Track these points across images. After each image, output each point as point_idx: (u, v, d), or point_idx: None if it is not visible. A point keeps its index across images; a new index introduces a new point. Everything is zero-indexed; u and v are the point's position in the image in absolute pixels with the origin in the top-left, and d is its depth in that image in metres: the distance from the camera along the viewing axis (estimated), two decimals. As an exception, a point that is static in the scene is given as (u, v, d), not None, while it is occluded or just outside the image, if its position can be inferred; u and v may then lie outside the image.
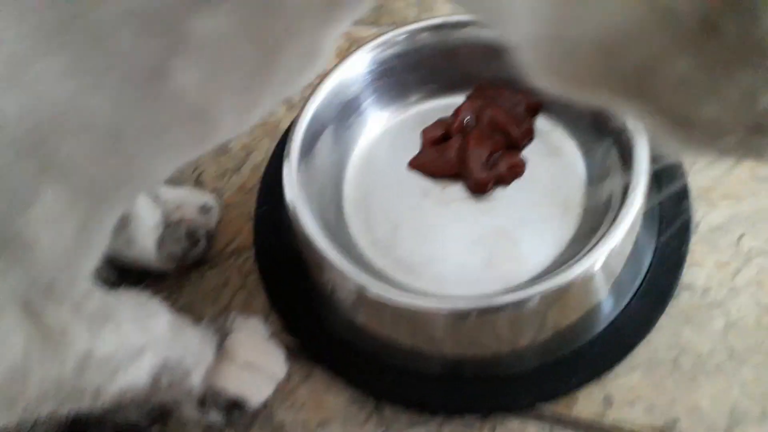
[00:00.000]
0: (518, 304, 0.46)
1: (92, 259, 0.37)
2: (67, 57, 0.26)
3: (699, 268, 0.53)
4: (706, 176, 0.57)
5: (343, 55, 0.60)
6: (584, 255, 0.46)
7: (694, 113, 0.22)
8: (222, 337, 0.51)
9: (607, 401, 0.49)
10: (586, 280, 0.47)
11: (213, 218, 0.60)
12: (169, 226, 0.57)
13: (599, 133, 0.56)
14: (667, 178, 0.56)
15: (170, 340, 0.45)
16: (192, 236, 0.58)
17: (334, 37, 0.34)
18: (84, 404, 0.41)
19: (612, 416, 0.48)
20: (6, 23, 0.25)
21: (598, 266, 0.46)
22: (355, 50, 0.60)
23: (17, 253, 0.32)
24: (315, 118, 0.57)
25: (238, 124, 0.36)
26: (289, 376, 0.52)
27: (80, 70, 0.27)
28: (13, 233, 0.30)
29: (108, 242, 0.38)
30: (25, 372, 0.35)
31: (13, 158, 0.28)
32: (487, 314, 0.46)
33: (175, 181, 0.62)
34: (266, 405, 0.51)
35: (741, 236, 0.54)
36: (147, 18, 0.26)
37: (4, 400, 0.36)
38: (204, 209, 0.59)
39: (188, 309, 0.56)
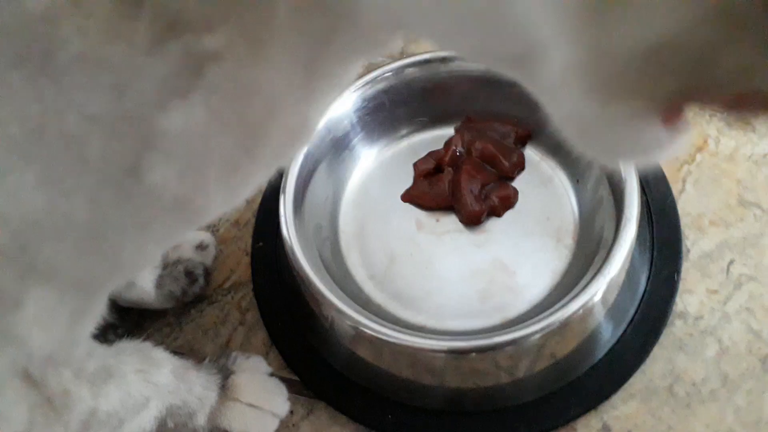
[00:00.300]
0: (518, 341, 0.46)
1: (89, 328, 0.37)
2: (37, 168, 0.26)
3: (691, 296, 0.54)
4: (695, 203, 0.58)
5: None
6: (583, 288, 0.47)
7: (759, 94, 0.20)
8: (224, 377, 0.51)
9: (606, 430, 0.50)
10: (586, 312, 0.47)
11: (210, 255, 0.60)
12: (167, 266, 0.57)
13: (588, 163, 0.57)
14: (656, 206, 0.57)
15: (174, 386, 0.46)
16: (190, 275, 0.58)
17: (320, 109, 0.33)
18: None
19: (610, 446, 0.49)
20: None
21: (597, 298, 0.47)
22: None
23: (12, 342, 0.32)
24: (308, 155, 0.57)
25: (228, 202, 0.35)
26: (291, 413, 0.53)
27: (52, 179, 0.26)
28: (5, 330, 0.31)
29: (103, 310, 0.37)
30: None
31: None
32: (486, 351, 0.47)
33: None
34: (269, 443, 0.52)
35: (731, 262, 0.55)
36: (114, 121, 0.25)
37: None
38: (200, 247, 0.60)
39: (189, 346, 0.57)
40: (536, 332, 0.46)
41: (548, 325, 0.46)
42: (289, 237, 0.53)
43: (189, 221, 0.34)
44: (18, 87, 0.24)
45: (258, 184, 0.34)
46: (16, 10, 0.23)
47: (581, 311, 0.46)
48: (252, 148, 0.30)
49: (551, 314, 0.46)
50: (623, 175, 0.52)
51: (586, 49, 0.19)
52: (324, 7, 0.25)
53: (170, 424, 0.46)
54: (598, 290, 0.47)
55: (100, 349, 0.41)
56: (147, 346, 0.45)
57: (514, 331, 0.46)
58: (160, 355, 0.45)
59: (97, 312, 0.37)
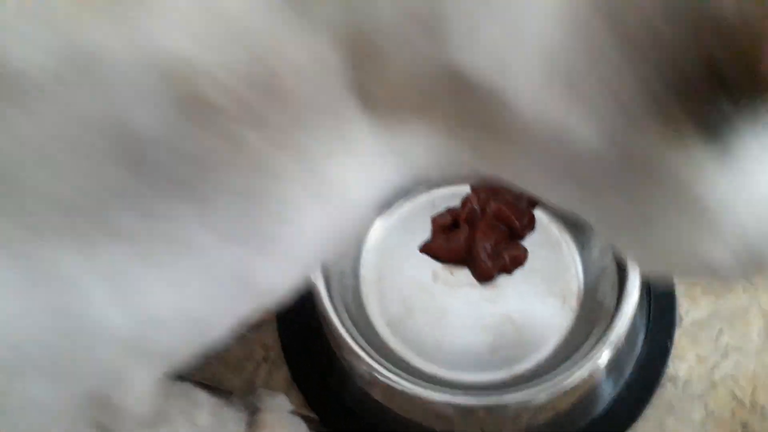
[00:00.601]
0: (526, 402, 0.51)
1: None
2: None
3: (681, 361, 0.59)
4: (689, 271, 0.63)
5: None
6: (587, 354, 0.52)
7: None
8: (251, 414, 0.55)
9: (599, 483, 0.54)
10: (592, 375, 0.52)
11: (238, 296, 0.64)
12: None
13: (594, 232, 0.62)
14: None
15: (211, 425, 0.50)
16: (218, 313, 0.62)
17: None
18: None
19: (603, 498, 0.54)
20: None
21: (602, 364, 0.52)
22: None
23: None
24: (337, 205, 0.61)
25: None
26: (312, 451, 0.57)
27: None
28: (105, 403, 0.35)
29: None
30: None
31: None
32: (495, 410, 0.51)
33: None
34: (289, 477, 0.56)
35: (719, 331, 0.60)
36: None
37: None
38: (229, 286, 0.64)
39: (215, 378, 0.61)
40: (543, 393, 0.50)
41: (555, 388, 0.50)
42: (316, 282, 0.57)
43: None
44: None
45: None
46: None
47: (588, 375, 0.51)
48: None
49: (558, 378, 0.51)
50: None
51: None
52: None
53: (206, 459, 0.51)
54: (603, 356, 0.51)
55: (156, 398, 0.45)
56: (189, 387, 0.49)
57: (523, 389, 0.51)
58: (201, 396, 0.49)
59: None
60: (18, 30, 0.25)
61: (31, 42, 0.25)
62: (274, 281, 0.34)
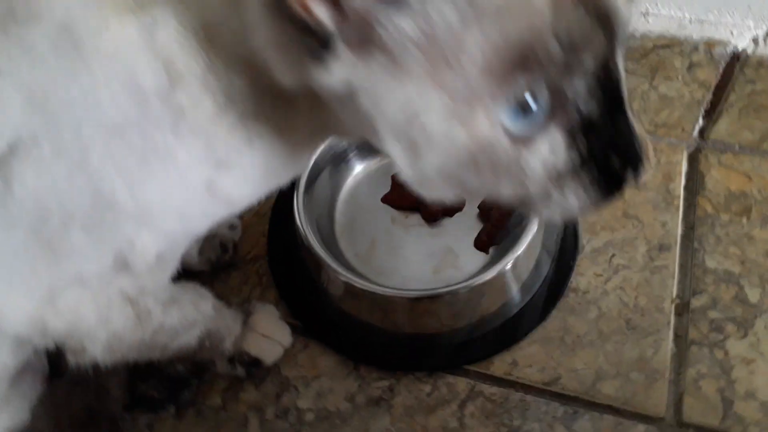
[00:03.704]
0: (454, 293, 0.67)
1: (169, 272, 0.57)
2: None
3: (582, 277, 0.75)
4: (593, 214, 0.80)
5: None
6: (498, 262, 0.69)
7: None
8: (246, 316, 0.71)
9: (514, 363, 0.70)
10: (500, 277, 0.69)
11: (238, 233, 0.81)
12: (207, 239, 0.78)
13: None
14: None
15: (213, 316, 0.64)
16: (223, 246, 0.79)
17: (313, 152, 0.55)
18: (155, 355, 0.60)
19: (516, 374, 0.70)
20: None
21: (508, 267, 0.68)
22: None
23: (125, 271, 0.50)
24: (315, 165, 0.79)
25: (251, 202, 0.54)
26: (293, 346, 0.73)
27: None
28: (123, 257, 0.48)
29: (178, 264, 0.57)
30: (122, 336, 0.54)
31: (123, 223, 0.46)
32: (434, 299, 0.68)
33: (209, 206, 0.83)
34: (276, 364, 0.72)
35: (612, 256, 0.77)
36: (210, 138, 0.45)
37: (108, 350, 0.54)
38: (232, 227, 0.81)
39: (218, 299, 0.77)
40: (465, 287, 0.67)
41: (473, 283, 0.67)
42: (300, 220, 0.74)
43: (230, 212, 0.53)
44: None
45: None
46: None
47: (497, 276, 0.68)
48: (273, 174, 0.51)
49: (475, 277, 0.67)
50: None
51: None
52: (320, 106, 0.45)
53: (207, 344, 0.65)
54: (509, 262, 0.68)
55: (170, 284, 0.59)
56: (197, 285, 0.63)
57: (452, 286, 0.68)
58: (206, 293, 0.64)
59: (174, 263, 0.56)
60: None
61: None
62: (233, 192, 0.49)
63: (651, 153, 0.42)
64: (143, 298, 0.54)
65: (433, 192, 0.43)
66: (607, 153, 0.41)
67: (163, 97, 0.41)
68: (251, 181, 0.49)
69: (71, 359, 0.53)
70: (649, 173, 0.42)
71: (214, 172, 0.45)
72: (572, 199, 0.42)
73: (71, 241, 0.44)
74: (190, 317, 0.60)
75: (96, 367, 0.68)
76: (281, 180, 0.54)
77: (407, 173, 0.41)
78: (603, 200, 0.43)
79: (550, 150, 0.40)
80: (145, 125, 0.42)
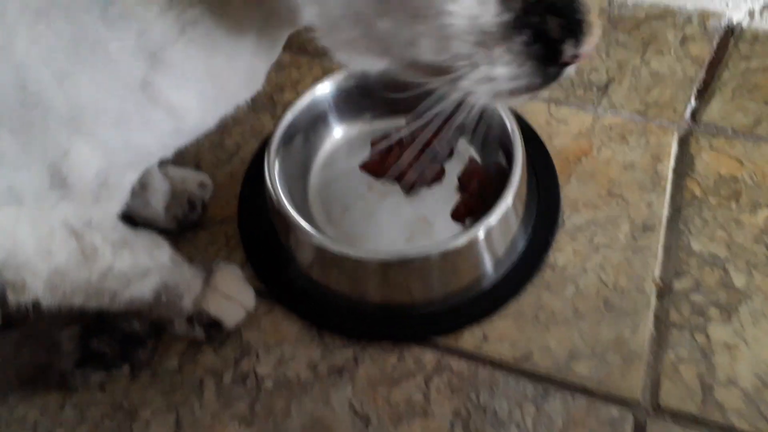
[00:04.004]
0: (425, 258, 0.64)
1: (117, 204, 0.53)
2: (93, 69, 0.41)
3: (561, 254, 0.72)
4: (576, 191, 0.77)
5: (317, 80, 0.80)
6: (471, 230, 0.66)
7: (406, 56, 0.38)
8: (208, 275, 0.68)
9: (484, 338, 0.67)
10: (473, 247, 0.66)
11: (208, 192, 0.78)
12: (175, 195, 0.75)
13: (497, 153, 0.76)
14: (543, 191, 0.76)
15: (170, 268, 0.61)
16: (191, 204, 0.76)
17: (265, 64, 0.50)
18: (104, 303, 0.57)
19: (486, 349, 0.67)
20: None
21: (480, 236, 0.65)
22: (325, 78, 0.79)
23: (64, 191, 0.46)
24: (291, 125, 0.76)
25: (204, 121, 0.50)
26: (256, 309, 0.70)
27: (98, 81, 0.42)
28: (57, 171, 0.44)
29: (127, 196, 0.53)
30: (65, 272, 0.51)
31: (54, 126, 0.42)
32: (404, 264, 0.65)
33: (180, 163, 0.80)
34: (237, 328, 0.69)
35: (594, 233, 0.74)
36: (136, 51, 0.41)
37: (49, 287, 0.51)
38: (202, 185, 0.78)
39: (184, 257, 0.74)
40: (436, 252, 0.64)
41: (443, 247, 0.64)
42: (270, 179, 0.71)
43: (177, 130, 0.48)
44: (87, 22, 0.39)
45: (222, 114, 0.51)
46: None
47: (468, 243, 0.65)
48: (217, 82, 0.47)
49: (447, 241, 0.64)
50: (513, 164, 0.70)
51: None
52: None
53: (164, 299, 0.62)
54: (480, 230, 0.65)
55: (121, 225, 0.56)
56: (155, 234, 0.61)
57: (424, 248, 0.65)
58: (164, 242, 0.61)
59: (122, 191, 0.52)
60: None
61: None
62: (174, 97, 0.44)
63: (596, 24, 0.37)
64: (90, 232, 0.51)
65: (346, 47, 0.39)
66: (543, 14, 0.36)
67: None
68: (193, 85, 0.45)
69: (11, 297, 0.50)
70: (592, 45, 0.37)
71: (149, 69, 0.42)
72: (501, 70, 0.37)
73: (0, 145, 0.41)
74: (143, 264, 0.58)
75: (47, 318, 0.66)
76: (232, 94, 0.50)
77: (315, 18, 0.38)
78: (537, 75, 0.37)
79: None
80: (73, 8, 0.38)
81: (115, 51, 0.40)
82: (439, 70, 0.38)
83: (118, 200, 0.53)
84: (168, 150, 0.52)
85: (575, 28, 0.36)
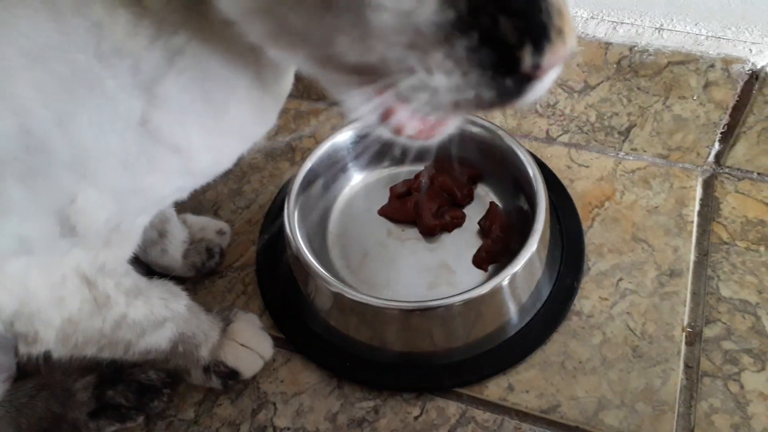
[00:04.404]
0: (448, 307, 0.63)
1: (129, 248, 0.52)
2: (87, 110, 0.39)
3: (587, 300, 0.71)
4: (599, 236, 0.76)
5: (336, 128, 0.81)
6: (495, 277, 0.64)
7: (326, 55, 0.32)
8: (226, 324, 0.66)
9: (510, 388, 0.65)
10: (497, 295, 0.64)
11: (226, 239, 0.78)
12: (193, 242, 0.75)
13: (518, 198, 0.75)
14: (568, 236, 0.75)
15: (187, 318, 0.60)
16: (210, 252, 0.75)
17: (276, 99, 0.47)
18: (117, 354, 0.55)
19: (512, 400, 0.64)
20: None
21: (505, 283, 0.64)
22: (345, 126, 0.79)
23: (75, 239, 0.45)
24: (311, 171, 0.75)
25: (217, 163, 0.48)
26: (273, 359, 0.69)
27: (97, 121, 0.40)
28: (65, 219, 0.43)
29: (139, 239, 0.52)
30: (77, 321, 0.49)
31: (60, 171, 0.40)
32: (426, 312, 0.63)
33: (198, 211, 0.80)
34: (255, 378, 0.67)
35: (619, 280, 0.72)
36: (131, 88, 0.39)
37: (61, 338, 0.49)
38: (220, 232, 0.77)
39: (201, 305, 0.73)
40: (460, 301, 0.62)
41: (468, 298, 0.62)
42: (290, 227, 0.70)
43: (187, 171, 0.46)
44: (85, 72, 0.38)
45: (236, 152, 0.48)
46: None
47: (492, 292, 0.63)
48: (220, 116, 0.44)
49: (470, 291, 0.63)
50: (537, 209, 0.69)
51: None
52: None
53: (180, 349, 0.61)
54: (506, 277, 0.63)
55: (134, 273, 0.55)
56: (171, 283, 0.59)
57: (446, 299, 0.63)
58: (180, 292, 0.60)
59: (134, 236, 0.51)
60: None
61: None
62: (175, 133, 0.42)
63: (569, 30, 0.30)
64: (102, 280, 0.50)
65: (268, 41, 0.35)
66: (495, 14, 0.29)
67: (77, 9, 0.37)
68: (194, 121, 0.43)
69: (23, 349, 0.49)
70: (560, 56, 0.30)
71: (146, 104, 0.40)
72: (440, 79, 0.31)
73: (7, 194, 0.40)
74: (158, 314, 0.56)
75: (62, 369, 0.64)
76: (241, 131, 0.47)
77: (228, 8, 0.34)
78: (488, 87, 0.31)
79: None
80: (67, 48, 0.37)
81: (111, 89, 0.39)
82: (369, 72, 0.33)
83: (130, 244, 0.52)
84: (182, 192, 0.51)
85: (536, 33, 0.30)
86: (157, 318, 0.56)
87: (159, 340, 0.58)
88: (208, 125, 0.44)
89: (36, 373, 0.65)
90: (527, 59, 0.30)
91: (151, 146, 0.42)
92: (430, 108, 0.32)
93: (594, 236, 0.76)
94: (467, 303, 0.63)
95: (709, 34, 0.72)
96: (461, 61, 0.30)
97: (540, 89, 0.32)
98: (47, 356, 0.51)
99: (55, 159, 0.40)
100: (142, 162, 0.43)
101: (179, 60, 0.39)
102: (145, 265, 0.73)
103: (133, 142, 0.41)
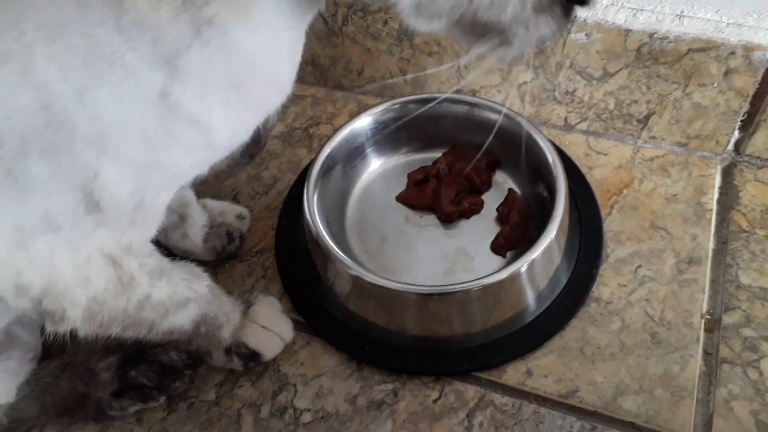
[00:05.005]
0: (466, 292, 0.63)
1: (153, 227, 0.52)
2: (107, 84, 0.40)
3: (605, 287, 0.71)
4: (618, 224, 0.76)
5: (354, 115, 0.81)
6: (513, 263, 0.65)
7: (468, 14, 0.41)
8: (247, 306, 0.67)
9: (528, 373, 0.66)
10: (515, 280, 0.64)
11: (246, 224, 0.78)
12: (213, 227, 0.75)
13: (537, 185, 0.75)
14: (587, 223, 0.75)
15: (209, 299, 0.60)
16: (230, 236, 0.76)
17: (292, 68, 0.49)
18: (141, 333, 0.56)
19: (531, 384, 0.65)
20: None
21: (523, 270, 0.64)
22: (362, 112, 0.80)
23: (100, 216, 0.45)
24: (329, 157, 0.76)
25: (235, 136, 0.49)
26: (294, 342, 0.69)
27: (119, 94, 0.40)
28: (89, 195, 0.43)
29: (162, 218, 0.52)
30: (103, 300, 0.50)
31: (81, 146, 0.41)
32: (444, 297, 0.64)
33: (218, 196, 0.80)
34: (275, 360, 0.68)
35: (638, 267, 0.72)
36: (152, 61, 0.40)
37: (87, 316, 0.50)
38: (240, 217, 0.78)
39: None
40: (478, 286, 0.63)
41: (485, 281, 0.63)
42: (309, 211, 0.71)
43: (207, 144, 0.46)
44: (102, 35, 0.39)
45: (253, 125, 0.49)
46: None
47: (510, 278, 0.63)
48: (241, 89, 0.45)
49: (488, 276, 0.63)
50: (556, 196, 0.69)
51: None
52: None
53: (203, 330, 0.61)
54: (524, 264, 0.64)
55: (157, 253, 0.55)
56: (192, 265, 0.60)
57: (464, 283, 0.63)
58: (202, 273, 0.60)
59: (157, 215, 0.51)
60: None
61: None
62: (196, 106, 0.43)
63: None
64: (127, 260, 0.50)
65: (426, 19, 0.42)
66: None
67: None
68: (215, 93, 0.43)
69: (50, 327, 0.49)
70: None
71: (167, 78, 0.40)
72: (545, 30, 0.43)
73: (32, 171, 0.40)
74: (181, 294, 0.57)
75: (85, 349, 0.65)
76: (260, 101, 0.48)
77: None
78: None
79: None
80: (87, 22, 0.38)
81: (131, 62, 0.39)
82: (489, 29, 0.43)
83: (153, 223, 0.52)
84: (201, 167, 0.51)
85: None
86: (180, 298, 0.56)
87: (182, 320, 0.58)
88: (229, 98, 0.44)
89: (61, 353, 0.66)
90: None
91: (170, 120, 0.42)
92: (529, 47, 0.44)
93: (612, 224, 0.76)
94: (485, 288, 0.63)
95: (730, 21, 0.71)
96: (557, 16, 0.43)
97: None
98: (73, 335, 0.51)
99: (75, 134, 0.40)
100: (162, 136, 0.43)
101: (207, 31, 0.40)
102: (166, 249, 0.74)
103: (153, 115, 0.42)
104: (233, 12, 0.40)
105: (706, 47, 0.72)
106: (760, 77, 0.72)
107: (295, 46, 0.48)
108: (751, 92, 0.74)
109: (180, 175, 0.52)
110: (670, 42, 0.73)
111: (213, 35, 0.40)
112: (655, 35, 0.73)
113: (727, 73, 0.73)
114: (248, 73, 0.45)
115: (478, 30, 0.43)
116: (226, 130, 0.47)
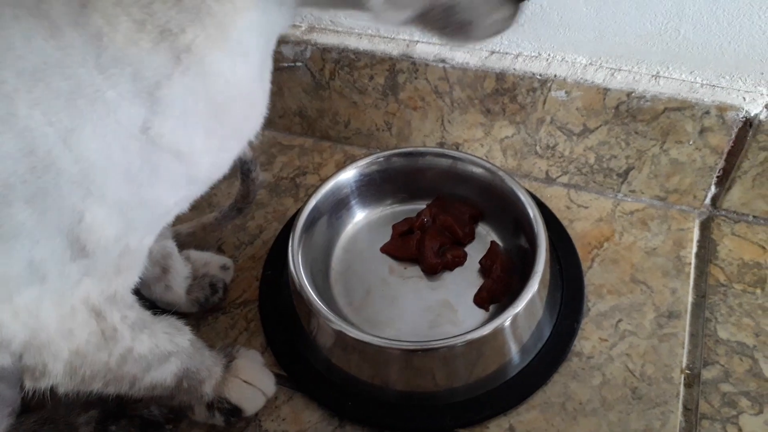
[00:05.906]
0: (450, 347, 0.63)
1: (136, 274, 0.52)
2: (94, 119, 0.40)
3: (587, 341, 0.71)
4: (599, 277, 0.77)
5: (340, 166, 0.82)
6: (497, 318, 0.65)
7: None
8: (229, 360, 0.67)
9: (511, 430, 0.66)
10: (499, 335, 0.65)
11: (230, 274, 0.78)
12: (197, 278, 0.75)
13: (518, 237, 0.76)
14: (568, 277, 0.76)
15: (191, 353, 0.60)
16: (213, 287, 0.76)
17: (265, 93, 0.50)
18: (123, 389, 0.55)
19: (513, 440, 0.65)
20: None
21: (507, 324, 0.65)
22: (348, 164, 0.81)
23: (86, 262, 0.45)
24: (315, 209, 0.77)
25: (216, 166, 0.49)
26: (276, 397, 0.69)
27: (101, 133, 0.40)
28: (75, 238, 0.43)
29: (145, 264, 0.52)
30: (85, 354, 0.49)
31: (67, 189, 0.41)
32: (428, 353, 0.64)
33: (203, 246, 0.81)
34: (257, 415, 0.68)
35: (619, 321, 0.73)
36: (132, 96, 0.40)
37: (69, 371, 0.49)
38: (224, 267, 0.78)
39: (203, 342, 0.73)
40: (463, 342, 0.63)
41: (468, 337, 0.63)
42: (293, 263, 0.71)
43: (190, 177, 0.47)
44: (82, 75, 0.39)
45: (234, 153, 0.50)
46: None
47: (494, 332, 0.64)
48: (220, 115, 0.45)
49: (471, 332, 0.64)
50: (537, 250, 0.70)
51: None
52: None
53: (185, 385, 0.61)
54: (507, 318, 0.64)
55: (139, 306, 0.55)
56: (174, 318, 0.59)
57: (448, 339, 0.64)
58: (183, 326, 0.60)
59: (139, 260, 0.51)
60: None
61: None
62: (177, 139, 0.44)
63: None
64: (110, 311, 0.50)
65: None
66: None
67: (75, 21, 0.37)
68: (196, 122, 0.44)
69: (29, 384, 0.49)
70: None
71: (147, 111, 0.41)
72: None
73: (16, 218, 0.40)
74: (163, 348, 0.56)
75: (65, 403, 0.64)
76: (238, 128, 0.49)
77: None
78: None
79: None
80: (68, 63, 0.38)
81: (112, 99, 0.39)
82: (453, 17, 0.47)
83: (137, 268, 0.52)
84: (184, 203, 0.51)
85: None
86: (162, 352, 0.56)
87: (164, 375, 0.58)
88: (210, 126, 0.45)
89: (40, 407, 0.65)
90: None
91: (153, 153, 0.43)
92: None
93: (593, 277, 0.77)
94: (469, 343, 0.64)
95: (704, 82, 0.74)
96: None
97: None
98: (53, 391, 0.51)
99: (61, 177, 0.40)
100: (146, 172, 0.43)
101: (185, 58, 0.40)
102: (149, 302, 0.74)
103: (136, 151, 0.42)
104: (210, 37, 0.41)
105: (681, 107, 0.74)
106: (734, 136, 0.74)
107: (265, 70, 0.50)
108: (726, 150, 0.76)
109: (165, 214, 0.52)
110: (647, 101, 0.75)
111: (192, 61, 0.41)
112: (633, 94, 0.75)
113: (702, 131, 0.75)
114: (227, 99, 0.45)
115: (442, 19, 0.47)
116: (208, 159, 0.47)
